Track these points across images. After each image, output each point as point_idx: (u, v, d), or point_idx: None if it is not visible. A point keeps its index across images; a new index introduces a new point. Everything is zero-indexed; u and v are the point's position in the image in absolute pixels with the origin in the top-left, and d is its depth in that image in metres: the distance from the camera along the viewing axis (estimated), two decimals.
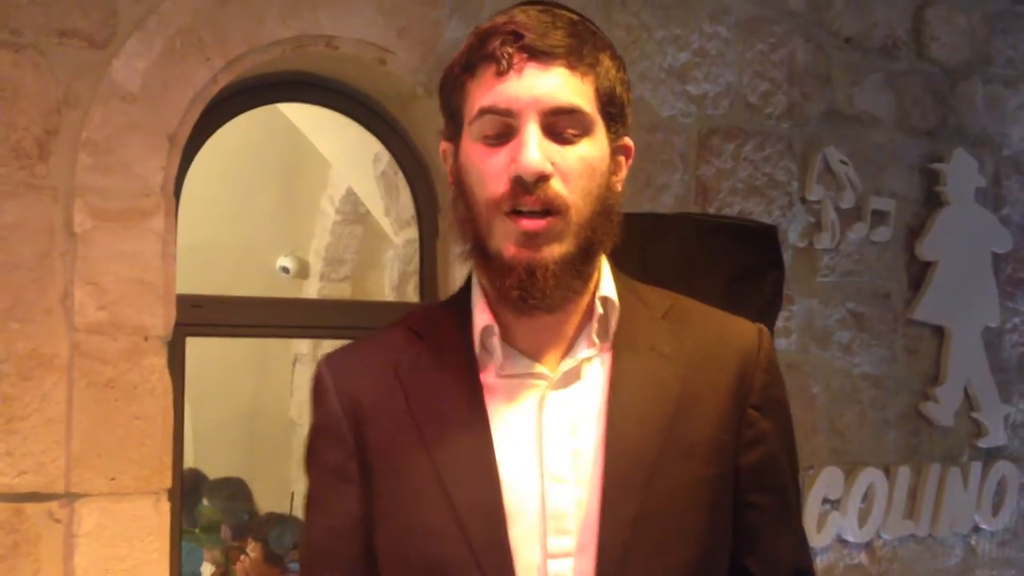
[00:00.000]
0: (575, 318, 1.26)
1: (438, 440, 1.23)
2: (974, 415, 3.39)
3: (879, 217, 3.23)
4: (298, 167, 4.93)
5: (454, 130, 1.26)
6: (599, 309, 1.26)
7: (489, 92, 1.20)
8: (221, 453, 4.70)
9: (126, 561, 2.18)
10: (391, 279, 4.06)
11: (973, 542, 3.42)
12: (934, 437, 3.32)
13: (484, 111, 1.21)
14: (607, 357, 1.26)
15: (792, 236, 3.08)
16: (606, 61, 1.24)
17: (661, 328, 1.28)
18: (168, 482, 2.23)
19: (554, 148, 1.19)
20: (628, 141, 1.29)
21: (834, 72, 3.18)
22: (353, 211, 4.80)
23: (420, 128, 2.71)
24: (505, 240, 1.20)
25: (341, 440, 1.29)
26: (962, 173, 3.36)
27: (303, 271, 5.07)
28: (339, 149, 3.95)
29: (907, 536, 3.26)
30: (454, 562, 1.19)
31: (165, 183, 2.27)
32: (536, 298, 1.20)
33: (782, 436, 1.32)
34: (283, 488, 4.74)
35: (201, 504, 3.82)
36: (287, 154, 4.83)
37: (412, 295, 3.29)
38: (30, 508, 2.13)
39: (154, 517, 2.21)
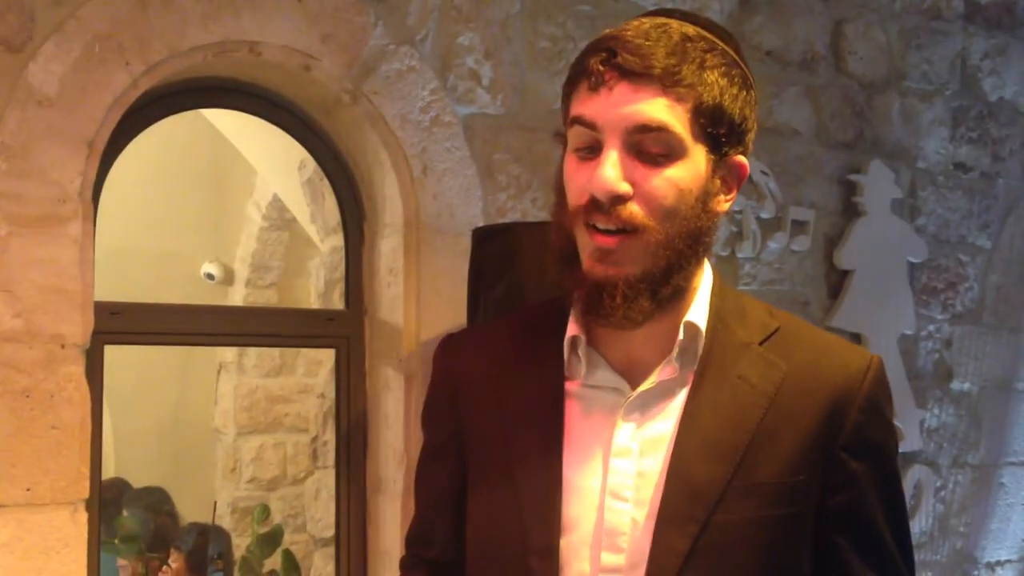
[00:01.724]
0: (664, 339, 1.26)
1: (516, 438, 1.27)
2: None
3: (799, 227, 3.29)
4: (223, 173, 4.88)
5: (564, 139, 1.29)
6: (681, 335, 1.25)
7: (580, 104, 1.22)
8: (143, 462, 4.62)
9: (42, 573, 2.12)
10: (317, 286, 4.03)
11: None
12: None
13: (574, 120, 1.23)
14: (689, 383, 1.25)
15: (715, 245, 3.13)
16: (711, 78, 1.20)
17: (754, 356, 1.26)
18: (86, 492, 2.19)
19: (638, 169, 1.18)
20: (740, 159, 1.26)
21: (755, 85, 3.23)
22: (279, 217, 4.76)
23: (345, 135, 2.71)
24: (584, 251, 1.23)
25: (442, 418, 1.37)
26: (879, 184, 3.44)
27: (228, 278, 5.01)
28: (264, 155, 3.92)
29: None
30: (511, 560, 1.24)
31: (83, 189, 2.23)
32: (602, 314, 1.21)
33: (875, 478, 1.27)
34: (206, 498, 4.67)
35: (121, 514, 3.76)
36: (212, 160, 4.77)
37: (338, 302, 3.27)
38: None
39: (71, 528, 2.16)
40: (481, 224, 2.61)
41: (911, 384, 3.51)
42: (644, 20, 1.23)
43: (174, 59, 2.34)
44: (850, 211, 3.41)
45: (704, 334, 1.25)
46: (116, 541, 3.27)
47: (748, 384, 1.24)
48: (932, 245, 3.60)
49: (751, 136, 1.27)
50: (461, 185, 2.68)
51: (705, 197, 1.22)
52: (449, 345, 1.42)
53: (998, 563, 3.78)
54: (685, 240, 1.21)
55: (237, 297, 4.96)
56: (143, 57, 2.30)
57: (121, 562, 3.37)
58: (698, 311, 1.26)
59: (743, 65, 1.27)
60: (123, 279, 3.32)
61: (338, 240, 3.01)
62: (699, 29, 1.23)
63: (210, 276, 4.95)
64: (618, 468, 1.23)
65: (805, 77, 3.35)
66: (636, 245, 1.19)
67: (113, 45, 2.27)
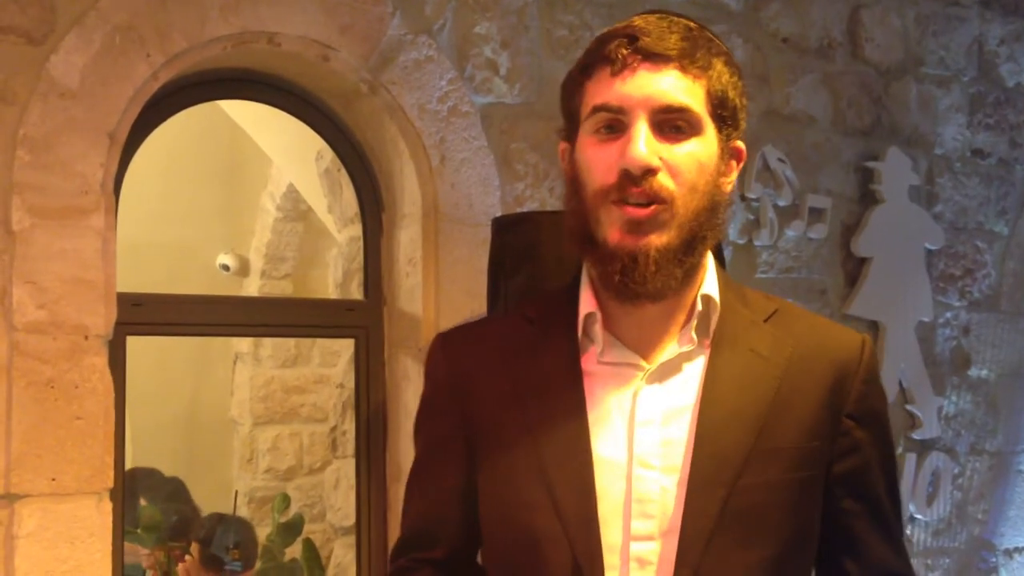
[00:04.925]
0: (677, 313, 1.31)
1: (538, 419, 1.30)
2: (908, 407, 3.46)
3: (816, 214, 3.29)
4: (237, 164, 4.89)
5: (571, 130, 1.34)
6: (699, 307, 1.31)
7: (603, 91, 1.27)
8: (161, 453, 4.64)
9: (68, 562, 2.15)
10: (335, 277, 4.04)
11: (909, 532, 3.50)
12: None
13: (597, 108, 1.28)
14: (705, 354, 1.30)
15: (732, 233, 3.13)
16: (719, 66, 1.29)
17: (762, 331, 1.33)
18: (110, 482, 2.21)
19: (663, 145, 1.25)
20: (740, 144, 1.34)
21: (772, 72, 3.23)
22: (294, 208, 4.77)
23: (363, 125, 2.71)
24: (611, 227, 1.26)
25: (449, 412, 1.37)
26: (896, 171, 3.43)
27: (244, 268, 5.03)
28: (281, 146, 3.93)
29: None
30: (546, 533, 1.26)
31: (105, 180, 2.24)
32: (637, 283, 1.25)
33: (878, 446, 1.35)
34: (223, 488, 4.70)
35: (141, 504, 3.78)
36: (227, 151, 4.78)
37: (356, 293, 3.28)
38: None
39: (96, 518, 2.18)
40: (499, 214, 2.61)
41: (929, 371, 3.51)
42: (647, 16, 1.31)
43: (194, 50, 2.35)
44: (867, 198, 3.40)
45: (719, 307, 1.31)
46: (139, 531, 3.29)
47: (760, 356, 1.30)
48: (949, 232, 3.59)
49: (744, 125, 1.35)
50: (479, 175, 2.69)
51: (718, 174, 1.29)
52: (447, 340, 1.43)
53: (1016, 550, 3.78)
54: (705, 213, 1.27)
55: (252, 288, 4.97)
56: (163, 49, 2.31)
57: (143, 551, 3.39)
58: (711, 286, 1.32)
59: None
60: (139, 270, 3.33)
61: (356, 230, 3.01)
62: (696, 23, 1.32)
63: (225, 267, 4.97)
64: (643, 437, 1.27)
65: (822, 64, 3.34)
66: (666, 215, 1.24)
67: (134, 37, 2.28)
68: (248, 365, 4.87)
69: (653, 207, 1.24)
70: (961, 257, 3.64)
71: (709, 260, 1.34)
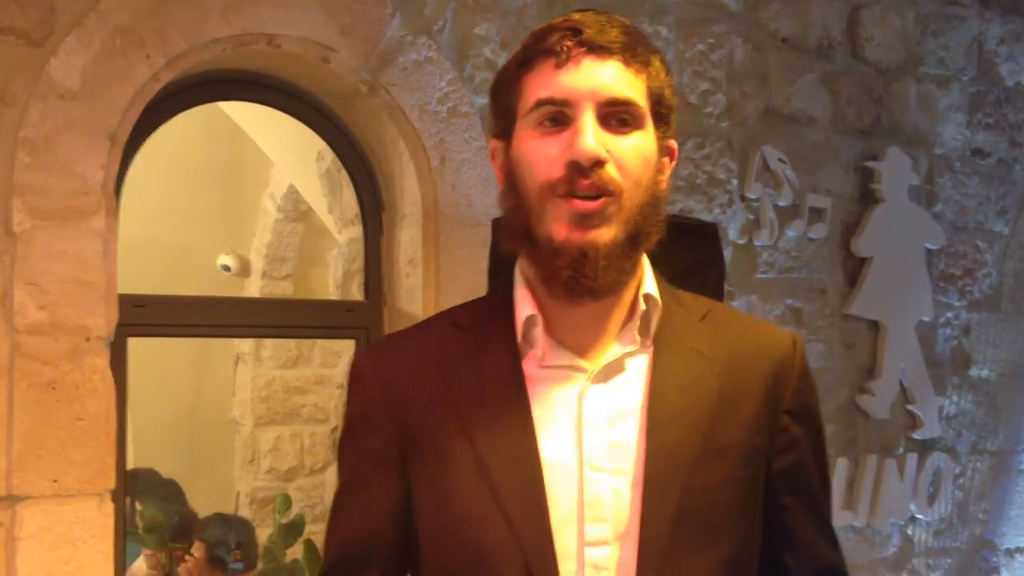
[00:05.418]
0: (618, 314, 1.29)
1: (480, 427, 1.25)
2: (909, 407, 3.47)
3: (816, 214, 3.29)
4: (238, 165, 4.90)
5: (506, 126, 1.30)
6: (642, 306, 1.28)
7: (546, 84, 1.25)
8: (162, 453, 4.65)
9: (70, 563, 2.15)
10: (335, 277, 4.05)
11: (910, 532, 3.50)
12: (871, 429, 3.40)
13: (541, 102, 1.25)
14: (648, 354, 1.28)
15: (732, 233, 3.13)
16: (656, 63, 1.28)
17: (700, 330, 1.32)
18: (112, 483, 2.21)
19: (609, 137, 1.23)
20: (673, 143, 1.33)
21: (772, 72, 3.23)
22: (295, 209, 4.78)
23: (363, 126, 2.72)
24: (557, 221, 1.22)
25: (380, 427, 1.31)
26: (896, 171, 3.43)
27: (244, 269, 5.04)
28: (281, 147, 3.93)
29: (846, 527, 3.33)
30: (496, 546, 1.22)
31: (105, 182, 2.25)
32: (589, 278, 1.22)
33: (812, 441, 1.35)
34: (224, 488, 4.71)
35: (138, 507, 3.78)
36: (228, 152, 4.79)
37: (356, 293, 3.29)
38: None
39: (98, 518, 2.19)
40: (499, 214, 2.61)
41: (929, 371, 3.51)
42: (583, 12, 1.29)
43: (194, 52, 2.36)
44: (867, 198, 3.40)
45: (660, 306, 1.29)
46: (140, 531, 3.30)
47: (701, 356, 1.29)
48: (949, 232, 3.59)
49: (675, 125, 1.33)
50: (479, 175, 2.69)
51: (657, 171, 1.28)
52: (375, 352, 1.40)
53: (1018, 549, 3.78)
54: (648, 208, 1.25)
55: (253, 288, 4.98)
56: (164, 50, 2.31)
57: (146, 552, 3.40)
58: (650, 285, 1.30)
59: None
60: (140, 271, 3.33)
61: (356, 231, 3.02)
62: (629, 22, 1.31)
63: (226, 268, 4.98)
64: (592, 440, 1.24)
65: (822, 64, 3.34)
66: (613, 208, 1.22)
67: (134, 38, 2.28)
68: (249, 366, 4.87)
69: (602, 199, 1.21)
70: (961, 257, 3.64)
71: (644, 260, 1.31)
